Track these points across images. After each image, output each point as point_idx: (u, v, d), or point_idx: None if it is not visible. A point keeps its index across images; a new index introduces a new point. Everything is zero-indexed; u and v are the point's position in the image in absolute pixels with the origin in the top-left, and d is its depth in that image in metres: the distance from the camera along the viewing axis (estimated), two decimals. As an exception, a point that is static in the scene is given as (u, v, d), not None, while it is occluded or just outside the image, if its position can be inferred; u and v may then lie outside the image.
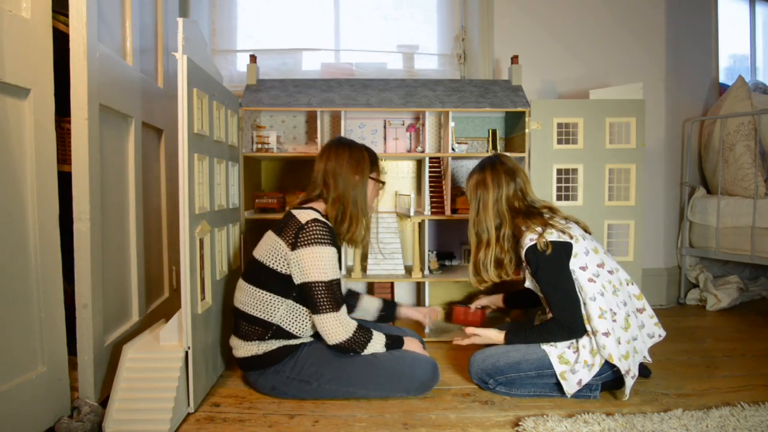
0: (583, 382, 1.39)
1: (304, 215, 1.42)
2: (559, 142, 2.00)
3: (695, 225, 2.57)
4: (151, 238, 1.76)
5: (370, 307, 1.76)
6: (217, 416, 1.36)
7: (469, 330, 1.57)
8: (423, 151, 2.11)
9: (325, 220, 1.44)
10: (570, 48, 2.51)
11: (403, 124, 2.25)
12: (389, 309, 1.78)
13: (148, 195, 1.72)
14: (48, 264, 1.22)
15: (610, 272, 1.46)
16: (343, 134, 2.07)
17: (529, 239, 1.43)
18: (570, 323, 1.39)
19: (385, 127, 2.26)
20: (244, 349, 1.45)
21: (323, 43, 2.62)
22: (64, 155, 1.38)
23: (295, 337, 1.46)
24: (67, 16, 1.25)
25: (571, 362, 1.41)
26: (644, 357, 1.46)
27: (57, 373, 1.24)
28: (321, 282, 1.37)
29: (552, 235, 1.41)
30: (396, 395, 1.46)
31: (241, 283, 1.48)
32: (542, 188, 2.00)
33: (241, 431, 1.28)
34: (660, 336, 1.50)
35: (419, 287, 2.18)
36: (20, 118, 1.15)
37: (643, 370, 1.57)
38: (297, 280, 1.40)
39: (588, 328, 1.39)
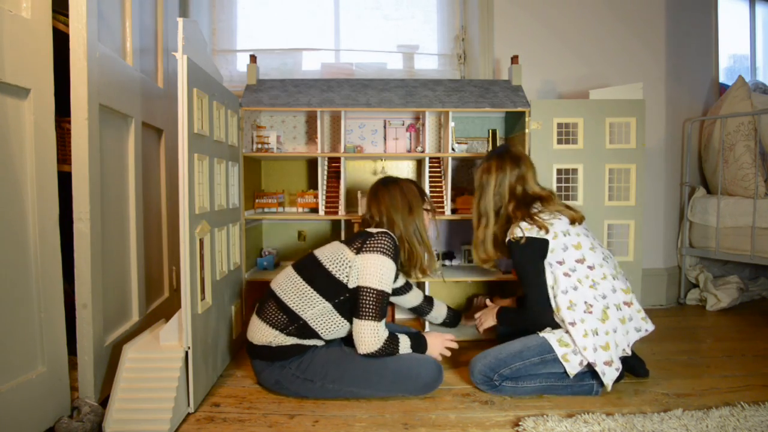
0: (584, 363, 1.42)
1: (375, 230, 1.50)
2: (559, 142, 2.00)
3: (695, 225, 2.57)
4: (151, 238, 1.76)
5: (438, 314, 1.92)
6: (217, 416, 1.36)
7: (476, 316, 1.70)
8: (423, 151, 2.11)
9: (395, 238, 1.50)
10: (570, 48, 2.51)
11: (403, 124, 2.25)
12: (454, 318, 1.95)
13: (148, 195, 1.72)
14: (48, 264, 1.22)
15: (590, 267, 1.49)
16: (343, 134, 2.07)
17: (509, 231, 1.54)
18: (538, 316, 1.50)
19: (385, 127, 2.26)
20: (260, 333, 1.45)
21: (323, 43, 2.62)
22: (64, 155, 1.38)
23: (314, 336, 1.46)
24: (67, 16, 1.25)
25: (571, 344, 1.43)
26: (623, 350, 1.46)
27: (57, 373, 1.24)
28: (373, 289, 1.42)
29: (531, 231, 1.49)
30: (400, 395, 1.46)
31: (290, 271, 1.52)
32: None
33: (241, 431, 1.28)
34: (647, 330, 1.51)
35: (419, 287, 2.18)
36: (20, 118, 1.15)
37: (641, 370, 1.58)
38: (353, 284, 1.44)
39: (558, 318, 1.47)
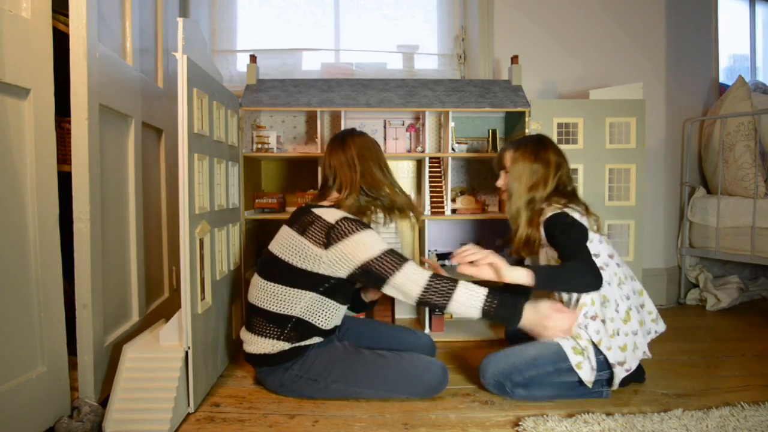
0: (594, 366, 1.40)
1: (330, 215, 1.41)
2: (559, 142, 2.00)
3: (695, 225, 2.57)
4: (151, 238, 1.76)
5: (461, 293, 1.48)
6: (217, 416, 1.36)
7: (489, 259, 1.38)
8: (423, 151, 2.11)
9: (353, 216, 1.43)
10: (570, 48, 2.51)
11: (403, 124, 2.25)
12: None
13: (148, 195, 1.72)
14: (48, 264, 1.22)
15: (618, 265, 1.48)
16: (343, 134, 2.07)
17: (552, 209, 1.46)
18: (593, 267, 1.35)
19: (385, 127, 2.26)
20: (256, 345, 1.44)
21: (323, 43, 2.62)
22: (64, 155, 1.38)
23: (312, 333, 1.45)
24: (67, 16, 1.25)
25: (584, 352, 1.40)
26: (644, 353, 1.45)
27: (57, 373, 1.24)
28: (376, 257, 1.34)
29: (575, 213, 1.45)
30: (403, 397, 1.45)
31: (258, 280, 1.47)
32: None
33: (241, 431, 1.28)
34: (656, 332, 1.51)
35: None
36: (20, 118, 1.15)
37: (638, 376, 1.54)
38: (344, 273, 1.38)
39: (584, 310, 1.42)
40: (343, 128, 2.07)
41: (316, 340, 1.47)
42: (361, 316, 2.15)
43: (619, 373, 1.40)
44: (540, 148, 1.56)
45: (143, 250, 1.65)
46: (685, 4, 2.61)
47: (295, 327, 1.43)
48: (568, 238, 1.41)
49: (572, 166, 1.97)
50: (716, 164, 2.53)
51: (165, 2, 1.88)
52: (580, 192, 2.00)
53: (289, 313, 1.42)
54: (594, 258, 1.41)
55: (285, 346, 1.42)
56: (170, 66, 1.90)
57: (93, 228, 1.28)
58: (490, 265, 1.39)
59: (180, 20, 1.33)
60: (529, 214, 1.52)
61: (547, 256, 1.51)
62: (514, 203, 1.54)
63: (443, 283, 1.32)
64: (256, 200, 2.06)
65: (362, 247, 1.36)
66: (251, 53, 2.21)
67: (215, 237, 1.57)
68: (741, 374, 1.64)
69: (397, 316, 2.28)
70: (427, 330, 2.02)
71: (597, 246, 1.46)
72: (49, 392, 1.21)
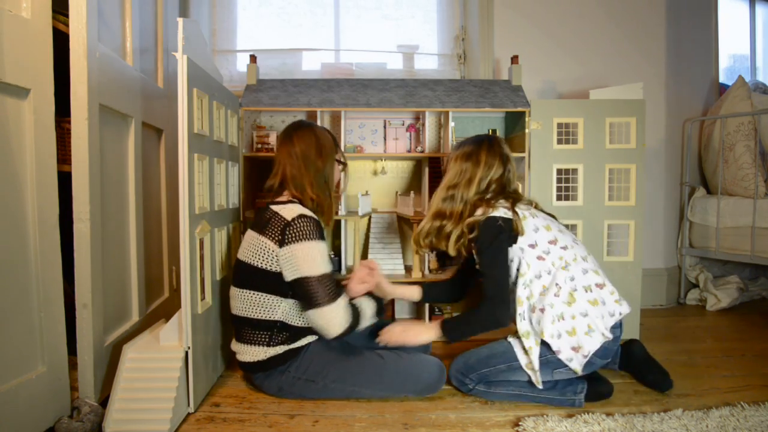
0: (536, 367, 1.37)
1: (287, 211, 1.39)
2: (559, 142, 2.00)
3: (695, 225, 2.57)
4: (151, 238, 1.76)
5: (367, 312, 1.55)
6: (217, 416, 1.36)
7: (394, 333, 1.49)
8: (423, 151, 2.11)
9: (312, 214, 1.41)
10: (570, 48, 2.51)
11: (403, 124, 2.25)
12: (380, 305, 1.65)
13: (148, 195, 1.72)
14: (48, 264, 1.22)
15: (563, 248, 1.44)
16: (343, 134, 2.07)
17: (480, 212, 1.45)
18: (495, 308, 1.41)
19: (385, 127, 2.25)
20: (249, 354, 1.43)
21: (323, 43, 2.62)
22: (64, 155, 1.38)
23: (303, 333, 1.44)
24: (67, 16, 1.25)
25: (531, 353, 1.39)
26: (602, 334, 1.36)
27: (57, 373, 1.24)
28: (314, 276, 1.34)
29: (497, 211, 1.43)
30: (401, 396, 1.46)
31: (234, 291, 1.46)
32: (542, 188, 2.00)
33: (241, 431, 1.28)
34: (620, 313, 1.41)
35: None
36: (20, 118, 1.15)
37: (663, 384, 1.50)
38: (288, 277, 1.37)
39: (525, 306, 1.41)
40: (343, 128, 2.07)
41: (310, 338, 1.47)
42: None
43: (578, 360, 1.35)
44: (473, 149, 1.53)
45: (143, 250, 1.65)
46: (685, 4, 2.61)
47: (282, 330, 1.42)
48: (485, 253, 1.43)
49: (572, 166, 1.99)
50: (716, 164, 2.53)
51: (165, 2, 1.88)
52: (580, 192, 2.00)
53: (272, 318, 1.41)
54: (530, 251, 1.41)
55: (278, 350, 1.42)
56: (170, 66, 1.90)
57: (93, 228, 1.28)
58: (406, 332, 1.50)
59: (180, 20, 1.33)
60: (439, 210, 1.51)
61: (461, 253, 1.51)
62: (433, 198, 1.56)
63: (356, 316, 1.41)
64: (256, 200, 2.06)
65: (310, 259, 1.34)
66: (251, 53, 2.21)
67: (215, 237, 1.57)
68: (741, 374, 1.64)
69: (397, 317, 2.27)
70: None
71: (532, 236, 1.43)
72: (49, 392, 1.21)
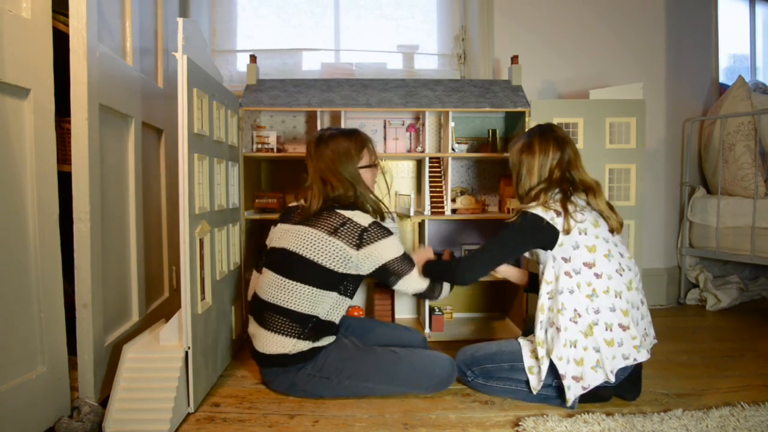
0: (543, 376, 1.37)
1: (361, 218, 1.46)
2: (559, 142, 2.00)
3: (695, 225, 2.57)
4: (151, 238, 1.76)
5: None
6: (217, 416, 1.36)
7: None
8: (423, 151, 2.11)
9: (380, 222, 1.51)
10: (570, 48, 2.51)
11: (403, 124, 2.25)
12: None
13: (148, 195, 1.72)
14: (48, 264, 1.22)
15: (597, 275, 1.36)
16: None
17: (530, 206, 1.43)
18: (465, 269, 1.48)
19: (385, 127, 2.26)
20: (275, 344, 1.42)
21: (323, 43, 2.62)
22: (64, 155, 1.38)
23: (328, 331, 1.47)
24: (67, 16, 1.25)
25: (540, 358, 1.39)
26: (606, 375, 1.32)
27: (57, 373, 1.24)
28: (396, 257, 1.47)
29: (547, 213, 1.39)
30: (414, 392, 1.47)
31: (275, 278, 1.45)
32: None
33: (241, 431, 1.28)
34: (635, 359, 1.34)
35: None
36: (20, 118, 1.15)
37: (629, 394, 1.46)
38: (369, 269, 1.46)
39: (545, 317, 1.40)
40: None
41: (330, 339, 1.48)
42: (362, 314, 2.16)
43: (575, 389, 1.33)
44: (526, 141, 1.52)
45: (143, 250, 1.65)
46: (685, 4, 2.61)
47: (315, 326, 1.44)
48: (499, 235, 1.46)
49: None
50: (716, 164, 2.53)
51: (165, 2, 1.88)
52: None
53: (312, 313, 1.43)
54: (562, 264, 1.38)
55: (305, 346, 1.43)
56: (170, 66, 1.90)
57: (93, 228, 1.28)
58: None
59: (180, 20, 1.33)
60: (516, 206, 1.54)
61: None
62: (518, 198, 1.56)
63: (436, 289, 1.55)
64: (256, 200, 2.06)
65: (388, 250, 1.46)
66: (251, 53, 2.21)
67: (215, 237, 1.57)
68: (741, 374, 1.64)
69: (397, 316, 2.27)
70: (426, 330, 2.02)
71: (569, 251, 1.38)
72: (49, 392, 1.21)
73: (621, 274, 1.39)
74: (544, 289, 1.41)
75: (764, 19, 3.36)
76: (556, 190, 1.45)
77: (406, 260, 1.51)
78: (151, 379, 1.29)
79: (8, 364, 1.12)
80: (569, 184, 1.47)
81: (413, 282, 1.51)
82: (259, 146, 2.07)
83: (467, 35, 2.60)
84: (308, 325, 1.43)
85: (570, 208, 1.40)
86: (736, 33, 3.23)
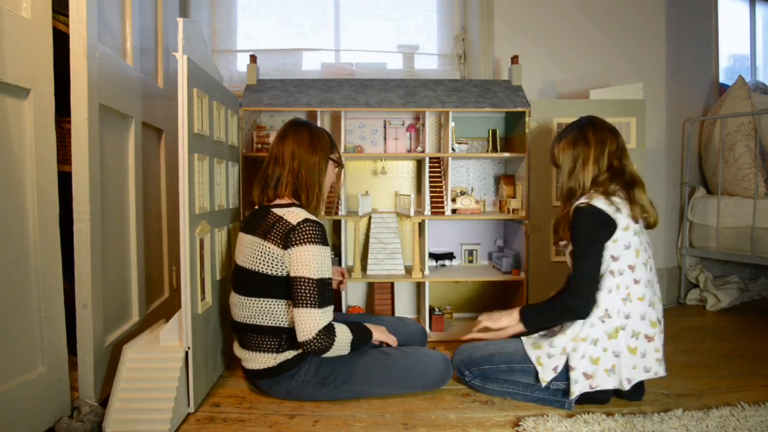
0: (559, 369, 1.36)
1: (292, 216, 1.39)
2: (559, 142, 2.00)
3: (695, 225, 2.57)
4: (151, 238, 1.76)
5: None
6: (217, 416, 1.36)
7: (481, 322, 1.51)
8: (423, 151, 2.11)
9: (317, 219, 1.41)
10: (570, 48, 2.51)
11: (403, 124, 2.25)
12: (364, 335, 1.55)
13: (148, 195, 1.72)
14: (48, 264, 1.22)
15: (636, 281, 1.35)
16: (343, 134, 2.07)
17: (584, 199, 1.38)
18: (576, 296, 1.34)
19: (385, 127, 2.26)
20: (257, 361, 1.41)
21: (323, 43, 2.62)
22: (64, 155, 1.38)
23: None
24: (67, 16, 1.25)
25: (545, 346, 1.39)
26: (621, 381, 1.33)
27: (57, 373, 1.24)
28: (309, 278, 1.33)
29: (609, 207, 1.34)
30: (411, 392, 1.47)
31: (237, 299, 1.43)
32: (543, 188, 2.00)
33: (241, 431, 1.28)
34: (656, 374, 1.35)
35: (419, 287, 2.18)
36: (20, 118, 1.15)
37: (602, 393, 1.41)
38: (289, 272, 1.37)
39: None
40: (343, 128, 2.07)
41: None
42: (362, 311, 2.15)
43: (582, 385, 1.33)
44: (578, 133, 1.47)
45: (143, 250, 1.65)
46: (685, 4, 2.61)
47: (292, 335, 1.40)
48: (581, 237, 1.36)
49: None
50: (716, 164, 2.53)
51: (165, 2, 1.88)
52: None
53: (280, 325, 1.40)
54: (610, 261, 1.34)
55: (288, 355, 1.41)
56: (170, 66, 1.90)
57: (93, 228, 1.28)
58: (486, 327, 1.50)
59: (180, 20, 1.33)
60: (567, 201, 1.47)
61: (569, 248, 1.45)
62: (561, 191, 1.50)
63: (328, 335, 1.34)
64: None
65: (311, 262, 1.34)
66: (251, 53, 2.21)
67: (215, 237, 1.57)
68: (741, 374, 1.64)
69: (397, 315, 2.27)
70: (427, 329, 2.02)
71: (620, 250, 1.35)
72: (49, 392, 1.21)
73: (652, 286, 1.38)
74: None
75: (764, 19, 3.37)
76: (616, 181, 1.41)
77: (320, 290, 1.33)
78: (151, 379, 1.29)
79: (8, 364, 1.12)
80: (623, 175, 1.42)
81: (306, 320, 1.31)
82: (259, 146, 2.07)
83: (467, 35, 2.60)
84: (282, 336, 1.40)
85: (616, 199, 1.37)
86: (736, 33, 3.23)
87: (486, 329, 1.50)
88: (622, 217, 1.35)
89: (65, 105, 1.26)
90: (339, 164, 1.62)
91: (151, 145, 1.78)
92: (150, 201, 1.75)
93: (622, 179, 1.42)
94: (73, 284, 1.27)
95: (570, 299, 1.36)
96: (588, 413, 1.31)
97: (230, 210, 1.75)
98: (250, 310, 1.41)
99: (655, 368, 1.35)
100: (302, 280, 1.34)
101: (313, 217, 1.40)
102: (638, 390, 1.42)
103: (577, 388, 1.34)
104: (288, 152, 1.47)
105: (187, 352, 1.34)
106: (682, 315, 2.41)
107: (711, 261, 2.66)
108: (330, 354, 1.36)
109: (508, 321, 1.46)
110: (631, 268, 1.35)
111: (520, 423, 1.28)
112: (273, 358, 1.40)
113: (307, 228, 1.36)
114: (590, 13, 2.51)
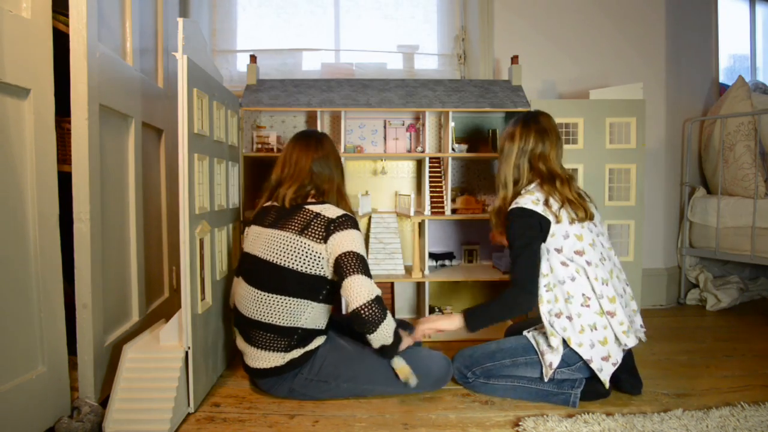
0: (554, 365, 1.38)
1: (330, 211, 1.43)
2: (559, 142, 2.00)
3: (695, 225, 2.57)
4: (151, 238, 1.76)
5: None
6: (217, 416, 1.36)
7: (420, 327, 1.52)
8: (423, 151, 2.11)
9: (351, 214, 1.47)
10: (570, 48, 2.51)
11: (403, 124, 2.25)
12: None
13: (148, 195, 1.72)
14: (48, 264, 1.22)
15: (588, 263, 1.40)
16: (343, 134, 2.07)
17: (515, 202, 1.45)
18: (519, 295, 1.40)
19: (385, 127, 2.26)
20: (265, 360, 1.41)
21: (323, 43, 2.62)
22: (64, 155, 1.38)
23: (316, 335, 1.45)
24: (67, 16, 1.25)
25: (542, 345, 1.42)
26: (624, 345, 1.38)
27: (57, 373, 1.24)
28: (357, 252, 1.37)
29: (537, 206, 1.42)
30: (413, 391, 1.47)
31: (253, 293, 1.41)
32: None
33: (241, 431, 1.28)
34: (626, 345, 1.39)
35: (419, 287, 2.18)
36: (20, 118, 1.15)
37: (634, 389, 1.47)
38: (331, 261, 1.37)
39: (547, 308, 1.40)
40: (343, 128, 2.07)
41: (321, 340, 1.47)
42: None
43: (607, 369, 1.37)
44: (513, 127, 1.55)
45: (143, 250, 1.65)
46: (685, 4, 2.61)
47: (302, 335, 1.42)
48: (513, 239, 1.44)
49: (572, 166, 1.98)
50: (716, 164, 2.53)
51: (165, 2, 1.88)
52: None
53: (295, 325, 1.40)
54: (555, 255, 1.41)
55: (296, 353, 1.41)
56: (170, 66, 1.90)
57: (93, 228, 1.28)
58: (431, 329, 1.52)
59: (180, 20, 1.33)
60: (501, 197, 1.55)
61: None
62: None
63: (382, 309, 1.35)
64: (257, 200, 2.06)
65: (355, 242, 1.39)
66: (251, 53, 2.21)
67: (215, 237, 1.57)
68: (741, 374, 1.64)
69: (396, 316, 2.28)
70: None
71: (560, 241, 1.41)
72: (49, 392, 1.21)
73: (603, 263, 1.43)
74: (542, 281, 1.42)
75: (764, 19, 3.36)
76: (537, 180, 1.49)
77: (365, 263, 1.39)
78: (151, 379, 1.29)
79: (8, 364, 1.11)
80: (542, 173, 1.50)
81: (362, 284, 1.33)
82: (259, 146, 2.07)
83: (467, 35, 2.60)
84: (294, 337, 1.40)
85: (550, 197, 1.44)
86: (736, 33, 3.23)
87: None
88: (551, 212, 1.42)
89: (65, 105, 1.26)
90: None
91: (151, 145, 1.78)
92: (150, 201, 1.75)
93: (542, 176, 1.49)
94: (73, 284, 1.27)
95: (517, 295, 1.41)
96: (588, 413, 1.31)
97: (230, 210, 1.75)
98: (269, 307, 1.39)
99: (624, 339, 1.38)
100: (351, 254, 1.36)
101: (350, 213, 1.46)
102: (634, 381, 1.46)
103: (605, 374, 1.37)
104: (323, 161, 1.53)
105: (187, 352, 1.34)
106: (682, 315, 2.41)
107: (711, 261, 2.66)
108: (377, 332, 1.33)
109: (447, 324, 1.50)
110: (579, 252, 1.41)
111: (520, 423, 1.28)
112: (281, 357, 1.40)
113: (346, 219, 1.42)
114: (590, 13, 2.51)
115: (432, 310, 2.06)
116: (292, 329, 1.40)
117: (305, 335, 1.42)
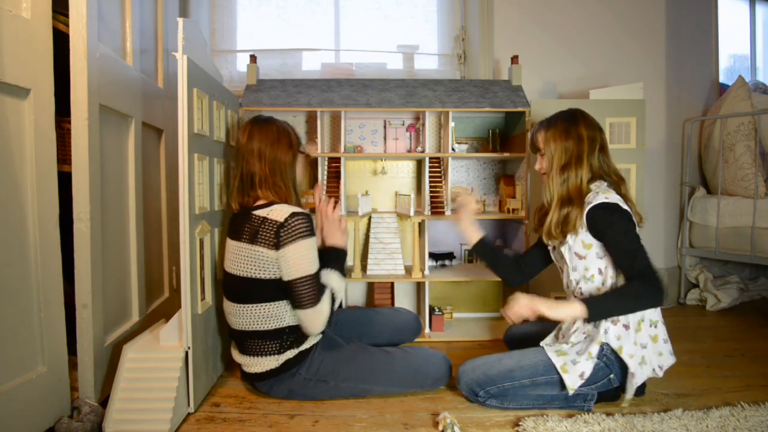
0: (586, 375, 1.31)
1: (276, 213, 1.36)
2: (559, 142, 1.99)
3: (695, 225, 2.57)
4: (151, 238, 1.76)
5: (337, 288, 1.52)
6: (217, 416, 1.36)
7: (522, 306, 1.35)
8: (423, 151, 2.11)
9: (302, 210, 1.38)
10: (570, 48, 2.51)
11: (403, 124, 2.25)
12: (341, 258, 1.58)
13: (148, 195, 1.72)
14: (48, 264, 1.22)
15: None
16: (343, 134, 2.07)
17: (603, 197, 1.35)
18: (657, 283, 1.25)
19: (385, 127, 2.26)
20: (259, 365, 1.41)
21: (323, 43, 2.62)
22: (64, 155, 1.38)
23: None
24: (67, 16, 1.25)
25: (569, 353, 1.35)
26: (654, 370, 1.34)
27: (57, 373, 1.24)
28: (308, 276, 1.35)
29: (624, 204, 1.36)
30: (411, 391, 1.47)
31: (231, 306, 1.42)
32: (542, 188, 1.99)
33: (241, 431, 1.28)
34: (669, 365, 1.38)
35: (419, 287, 2.18)
36: (20, 118, 1.15)
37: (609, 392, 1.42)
38: (285, 278, 1.36)
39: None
40: (343, 128, 2.07)
41: (316, 339, 1.47)
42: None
43: (633, 383, 1.34)
44: (571, 123, 1.45)
45: (143, 250, 1.65)
46: (685, 4, 2.61)
47: (291, 333, 1.41)
48: (625, 232, 1.31)
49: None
50: (716, 164, 2.53)
51: (165, 2, 1.88)
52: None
53: (281, 326, 1.40)
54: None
55: (291, 354, 1.41)
56: (170, 66, 1.90)
57: (93, 228, 1.28)
58: (534, 313, 1.35)
59: (180, 20, 1.33)
60: (561, 196, 1.42)
61: (571, 244, 1.41)
62: (548, 186, 1.46)
63: (332, 311, 1.42)
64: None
65: (303, 260, 1.34)
66: (251, 53, 2.21)
67: (215, 237, 1.57)
68: (741, 374, 1.64)
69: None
70: (427, 330, 2.02)
71: None
72: (49, 392, 1.21)
73: None
74: (595, 282, 1.38)
75: (764, 19, 3.37)
76: (609, 179, 1.44)
77: (317, 283, 1.37)
78: (151, 379, 1.29)
79: (8, 364, 1.11)
80: (611, 173, 1.45)
81: (315, 317, 1.36)
82: (259, 146, 2.06)
83: (467, 35, 2.60)
84: (283, 337, 1.40)
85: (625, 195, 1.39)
86: (736, 33, 3.23)
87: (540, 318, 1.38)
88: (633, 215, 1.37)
89: (65, 105, 1.26)
90: (305, 153, 1.60)
91: (151, 145, 1.78)
92: (150, 201, 1.75)
93: (611, 177, 1.45)
94: (73, 284, 1.27)
95: (650, 284, 1.27)
96: (588, 413, 1.31)
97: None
98: (248, 317, 1.40)
99: (669, 361, 1.38)
100: (303, 280, 1.35)
101: (298, 209, 1.38)
102: (641, 385, 1.42)
103: (630, 392, 1.35)
104: (257, 150, 1.44)
105: (187, 352, 1.34)
106: (682, 315, 2.41)
107: (711, 261, 2.66)
108: (337, 301, 1.45)
109: (568, 311, 1.32)
110: None
111: (520, 423, 1.28)
112: (275, 360, 1.40)
113: (296, 222, 1.34)
114: (590, 13, 2.52)
115: (432, 310, 2.06)
116: (279, 330, 1.40)
117: (296, 334, 1.42)
